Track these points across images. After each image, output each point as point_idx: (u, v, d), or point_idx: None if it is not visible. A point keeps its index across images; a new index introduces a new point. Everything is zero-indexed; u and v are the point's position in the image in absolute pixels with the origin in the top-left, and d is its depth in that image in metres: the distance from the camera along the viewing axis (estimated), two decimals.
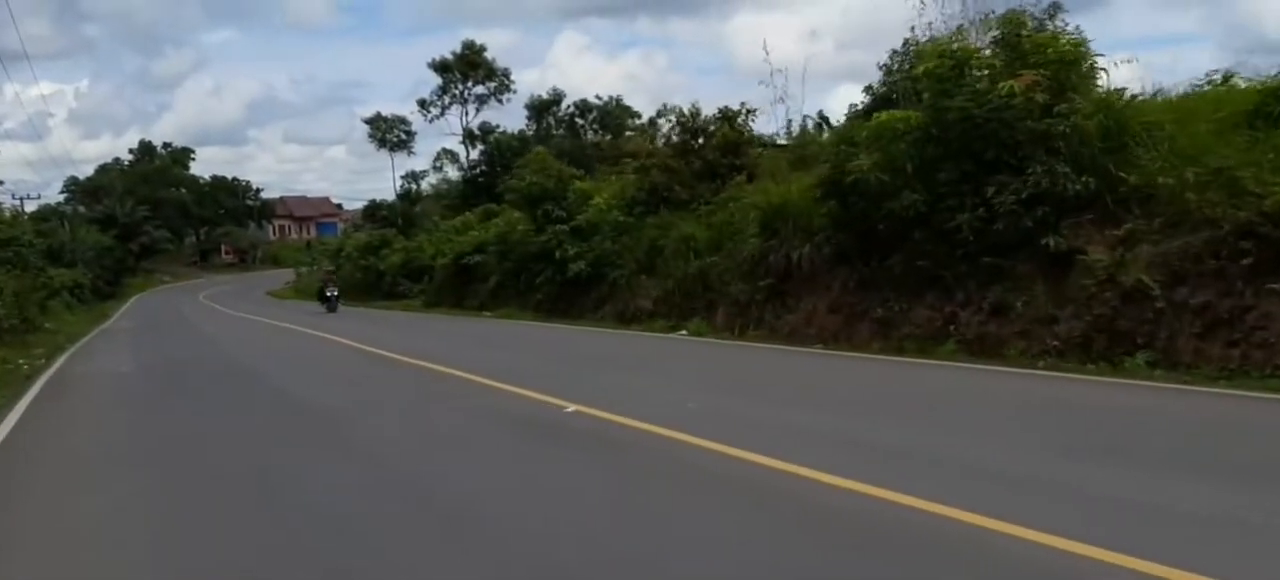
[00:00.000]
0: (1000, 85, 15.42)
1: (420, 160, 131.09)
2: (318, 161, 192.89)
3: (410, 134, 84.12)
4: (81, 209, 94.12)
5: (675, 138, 29.22)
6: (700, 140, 27.56)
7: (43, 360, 24.02)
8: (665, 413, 10.09)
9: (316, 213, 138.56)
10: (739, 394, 12.71)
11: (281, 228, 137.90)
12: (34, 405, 15.36)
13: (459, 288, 40.20)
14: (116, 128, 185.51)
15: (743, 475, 7.52)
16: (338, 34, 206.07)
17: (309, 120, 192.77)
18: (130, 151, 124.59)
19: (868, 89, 24.60)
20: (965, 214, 15.61)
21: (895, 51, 24.28)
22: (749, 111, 27.97)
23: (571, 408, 10.88)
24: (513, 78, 71.51)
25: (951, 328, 15.68)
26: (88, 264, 72.16)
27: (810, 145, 26.19)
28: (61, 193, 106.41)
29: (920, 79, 17.36)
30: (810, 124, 29.91)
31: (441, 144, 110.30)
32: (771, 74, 26.77)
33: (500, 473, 8.38)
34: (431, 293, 43.97)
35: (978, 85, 15.98)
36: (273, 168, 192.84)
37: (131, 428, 12.91)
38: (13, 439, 11.96)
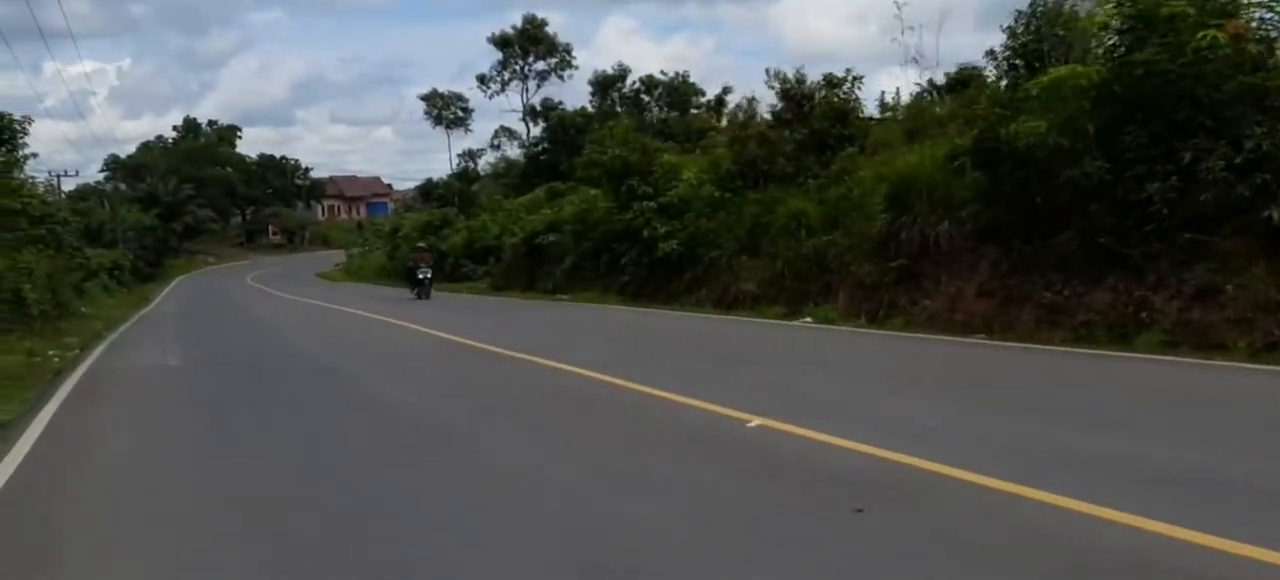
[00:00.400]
0: (1201, 35, 13.60)
1: (476, 139, 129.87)
2: (364, 142, 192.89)
3: (467, 111, 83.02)
4: (122, 187, 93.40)
5: (777, 105, 27.42)
6: (806, 107, 25.72)
7: (76, 351, 22.36)
8: (885, 429, 8.37)
9: (366, 193, 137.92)
10: (959, 402, 10.44)
11: (330, 208, 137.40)
12: (61, 415, 12.35)
13: (530, 269, 38.74)
14: (159, 107, 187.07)
15: (1083, 537, 5.39)
16: (386, 13, 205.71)
17: (356, 100, 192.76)
18: (174, 129, 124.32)
19: (990, 54, 22.51)
20: (1156, 184, 13.84)
21: (1020, 12, 22.18)
22: (855, 78, 26.18)
23: (754, 422, 8.96)
24: (574, 54, 70.07)
25: (1143, 314, 13.91)
26: (128, 244, 71.20)
27: (927, 112, 24.46)
28: (101, 171, 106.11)
29: (1092, 30, 15.61)
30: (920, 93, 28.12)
31: (499, 122, 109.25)
32: (903, 32, 24.29)
33: (717, 529, 6.08)
34: (499, 274, 42.56)
35: (1168, 37, 14.17)
36: (319, 149, 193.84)
37: (192, 452, 9.82)
38: (23, 477, 8.69)
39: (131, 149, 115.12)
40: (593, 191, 35.44)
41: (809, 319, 20.02)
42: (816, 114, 25.76)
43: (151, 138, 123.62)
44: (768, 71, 26.36)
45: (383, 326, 25.47)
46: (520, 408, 11.39)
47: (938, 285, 18.31)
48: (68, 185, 72.31)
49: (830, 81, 26.17)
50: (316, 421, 11.19)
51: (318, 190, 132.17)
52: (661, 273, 27.91)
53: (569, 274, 34.83)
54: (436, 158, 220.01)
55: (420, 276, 36.61)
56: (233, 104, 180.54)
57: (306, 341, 23.05)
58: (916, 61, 25.55)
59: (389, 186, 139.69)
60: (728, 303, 24.17)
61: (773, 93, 27.41)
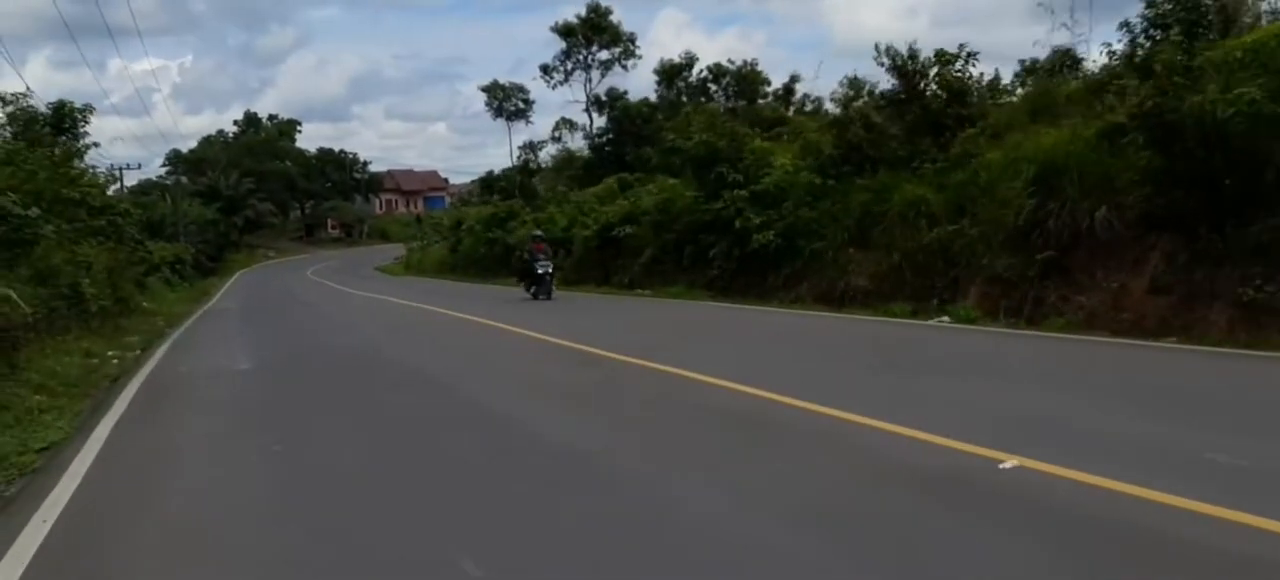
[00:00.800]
0: None
1: (536, 131, 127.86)
2: (419, 138, 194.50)
3: (528, 103, 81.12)
4: (184, 179, 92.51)
5: (886, 85, 25.16)
6: (921, 85, 23.40)
7: (137, 352, 20.56)
8: (1175, 470, 6.35)
9: (424, 187, 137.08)
10: (1242, 427, 8.00)
11: (388, 202, 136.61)
12: (118, 434, 10.53)
13: (603, 263, 36.67)
14: (219, 103, 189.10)
15: None
16: (441, 10, 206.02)
17: (411, 96, 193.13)
18: (235, 123, 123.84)
19: (1124, 26, 19.97)
20: None
21: None
22: (969, 55, 23.76)
23: (1009, 463, 6.75)
24: (638, 43, 67.85)
25: None
26: (190, 238, 70.24)
27: (1058, 89, 22.15)
28: (163, 166, 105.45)
29: None
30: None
31: (560, 113, 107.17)
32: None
33: None
34: (569, 268, 40.44)
35: None
36: (374, 144, 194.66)
37: (274, 477, 8.14)
38: (70, 525, 6.88)
39: (193, 144, 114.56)
40: (671, 181, 33.40)
41: (946, 318, 17.72)
42: (930, 93, 23.43)
43: (212, 132, 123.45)
44: (877, 48, 23.96)
45: (450, 322, 23.78)
46: (689, 438, 8.73)
47: (1093, 279, 16.05)
48: (130, 180, 71.47)
49: (942, 58, 23.75)
50: (424, 438, 9.25)
51: (375, 184, 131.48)
52: (754, 266, 25.74)
53: (647, 268, 32.72)
54: (493, 152, 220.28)
55: (540, 271, 30.39)
56: (291, 99, 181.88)
57: (382, 338, 21.45)
58: (1065, 26, 23.13)
59: (445, 180, 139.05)
60: (836, 299, 21.95)
61: (882, 69, 24.99)
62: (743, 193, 26.25)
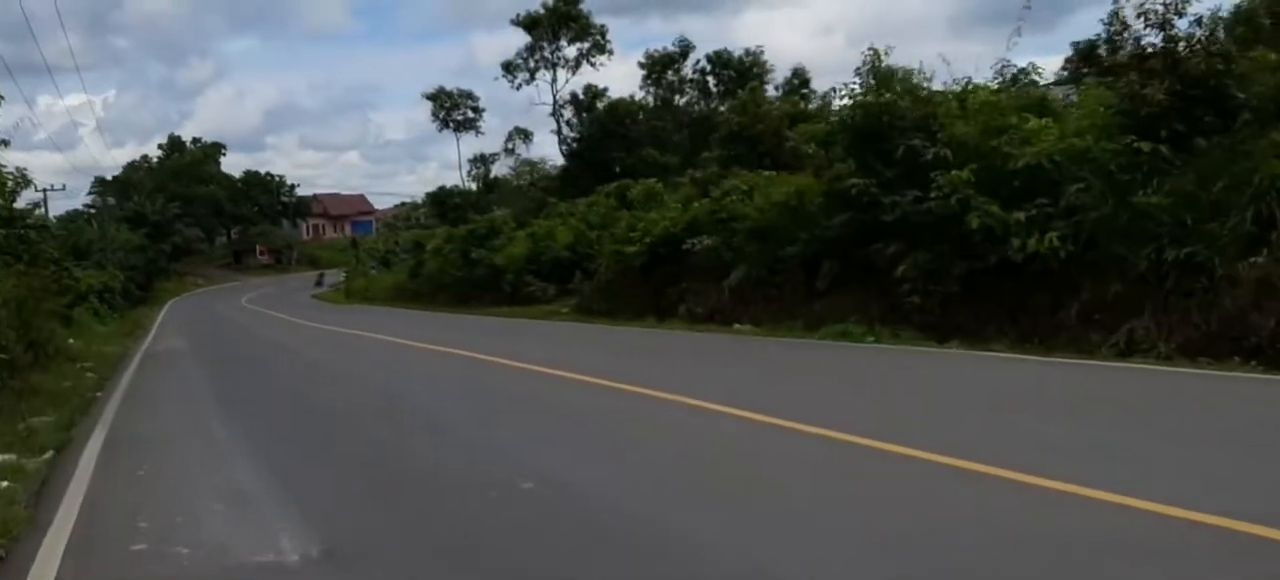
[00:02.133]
0: None
1: (488, 142, 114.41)
2: (333, 166, 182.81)
3: (478, 111, 69.12)
4: (110, 201, 79.46)
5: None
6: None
7: (49, 454, 9.64)
8: None
9: (352, 211, 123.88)
10: None
11: (316, 227, 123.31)
12: None
13: (652, 287, 25.44)
14: (142, 135, 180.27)
15: None
16: (353, 39, 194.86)
17: (324, 125, 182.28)
18: (159, 147, 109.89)
19: None
20: None
21: None
22: None
23: None
24: (609, 37, 56.45)
25: None
26: (118, 265, 57.81)
27: None
28: (88, 194, 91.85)
29: None
30: None
31: (513, 123, 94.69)
32: None
33: None
34: (590, 295, 29.16)
35: None
36: (290, 173, 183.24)
37: None
38: None
39: (119, 172, 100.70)
40: (767, 174, 22.59)
41: None
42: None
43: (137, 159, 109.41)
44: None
45: (491, 369, 12.15)
46: None
47: None
48: (57, 209, 60.15)
49: None
50: None
51: (303, 208, 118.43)
52: (1001, 292, 14.89)
53: (739, 294, 21.66)
54: (402, 180, 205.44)
55: None
56: (210, 131, 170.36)
57: (403, 389, 12.05)
58: None
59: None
60: (1248, 349, 11.14)
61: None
62: (962, 174, 15.34)
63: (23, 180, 25.44)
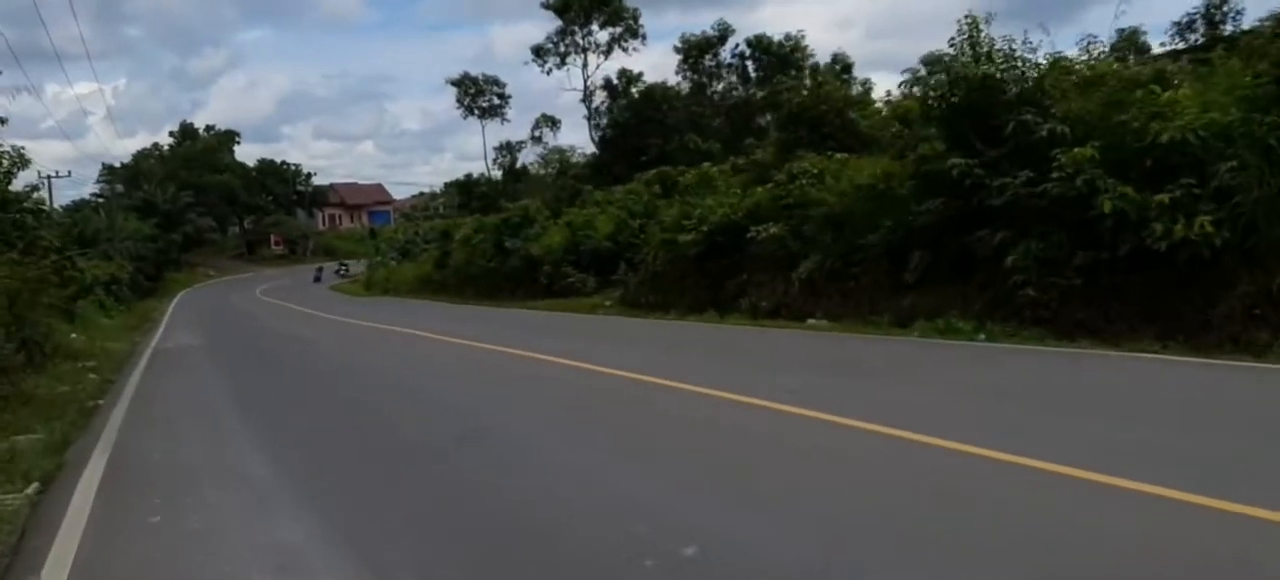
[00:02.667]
0: None
1: (513, 128, 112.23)
2: (348, 156, 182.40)
3: (504, 97, 67.57)
4: (119, 188, 78.11)
5: None
6: None
7: (33, 487, 7.98)
8: None
9: (369, 200, 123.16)
10: None
11: (332, 217, 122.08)
12: None
13: (705, 278, 24.02)
14: (153, 125, 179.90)
15: None
16: (367, 29, 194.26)
17: (340, 116, 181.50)
18: (170, 134, 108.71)
19: None
20: None
21: None
22: None
23: None
24: (642, 20, 54.82)
25: None
26: (126, 255, 56.45)
27: None
28: (96, 182, 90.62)
29: None
30: None
31: (538, 110, 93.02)
32: None
33: None
34: (636, 287, 27.73)
35: None
36: (305, 164, 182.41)
37: None
38: None
39: (128, 161, 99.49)
40: (839, 157, 21.22)
41: None
42: None
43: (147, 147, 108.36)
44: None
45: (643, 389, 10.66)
46: None
47: None
48: (63, 198, 58.86)
49: None
50: None
51: (319, 198, 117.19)
52: (1131, 285, 13.44)
53: (810, 285, 20.22)
54: (418, 171, 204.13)
55: None
56: (222, 120, 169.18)
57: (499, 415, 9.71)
58: None
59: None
60: None
61: None
62: (1085, 151, 13.88)
63: (20, 161, 24.08)
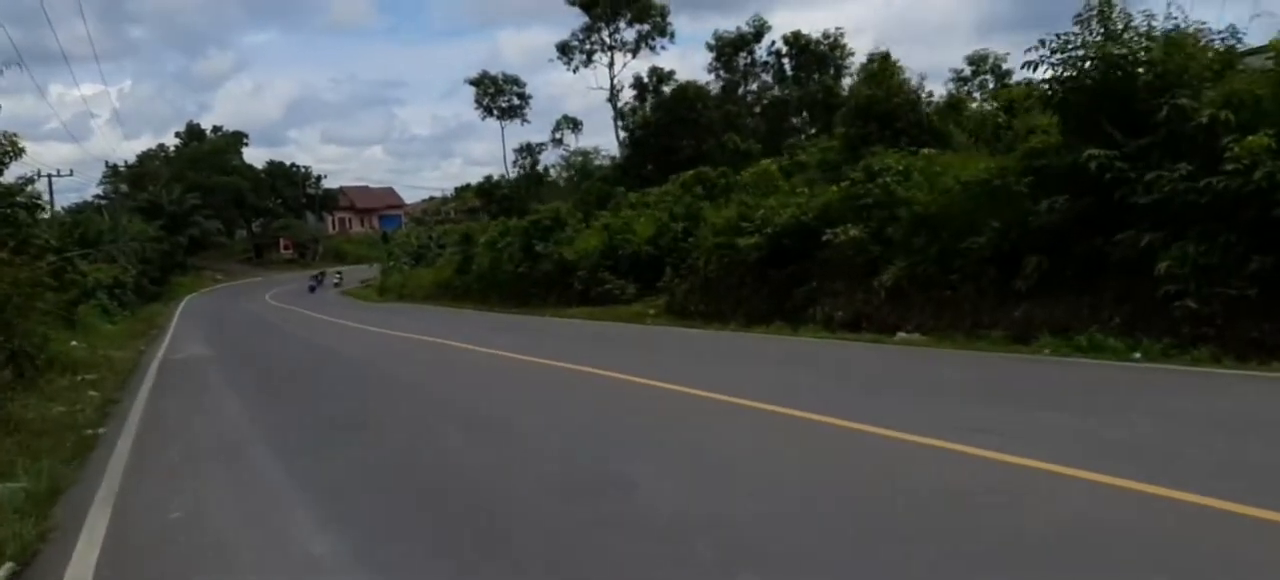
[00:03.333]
0: None
1: (536, 129, 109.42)
2: (356, 161, 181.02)
3: (524, 98, 65.58)
4: (123, 188, 76.27)
5: None
6: None
7: (3, 573, 5.83)
8: None
9: (380, 204, 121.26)
10: None
11: (342, 221, 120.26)
12: None
13: (767, 286, 22.04)
14: (158, 127, 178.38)
15: None
16: (376, 34, 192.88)
17: (348, 120, 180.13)
18: (177, 135, 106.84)
19: None
20: None
21: None
22: None
23: None
24: (670, 17, 52.82)
25: None
26: (130, 257, 54.52)
27: None
28: (99, 184, 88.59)
29: None
30: None
31: (555, 113, 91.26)
32: None
33: None
34: (684, 294, 25.76)
35: None
36: (313, 168, 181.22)
37: None
38: None
39: (133, 162, 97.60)
40: (926, 153, 19.32)
41: None
42: None
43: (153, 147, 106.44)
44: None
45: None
46: None
47: None
48: (64, 199, 57.16)
49: None
50: None
51: (329, 201, 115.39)
52: None
53: (894, 295, 18.22)
54: (427, 176, 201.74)
55: None
56: (228, 123, 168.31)
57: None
58: None
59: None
60: None
61: None
62: (1261, 139, 11.90)
63: (13, 149, 21.95)
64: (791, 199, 22.11)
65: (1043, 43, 14.98)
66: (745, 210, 23.21)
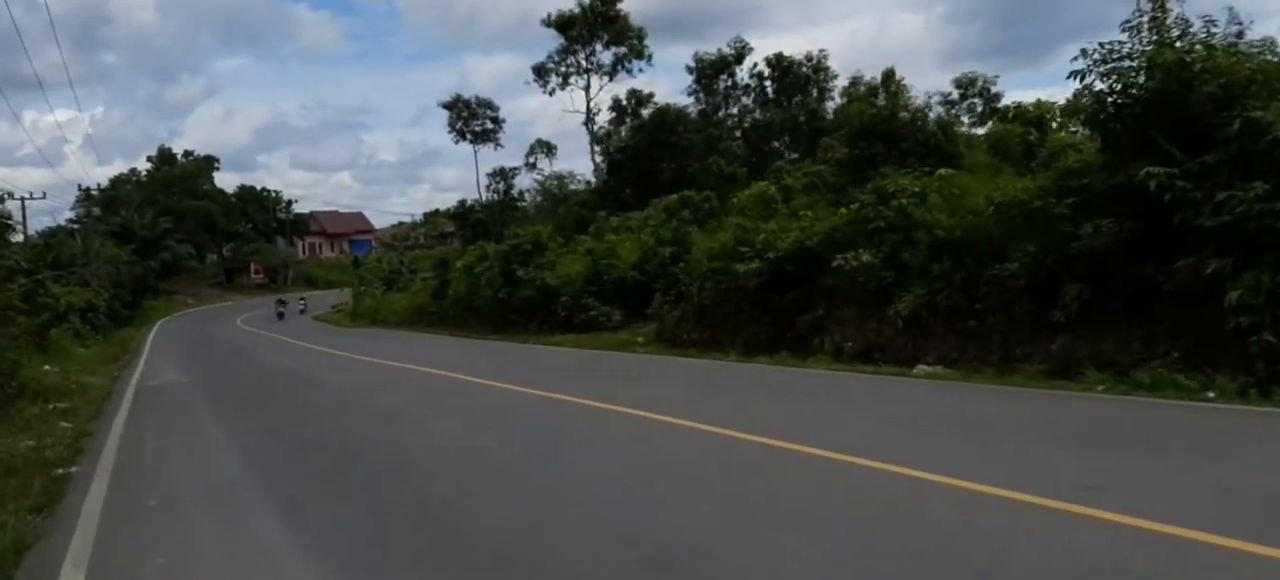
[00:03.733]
0: None
1: (508, 154, 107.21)
2: (323, 187, 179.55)
3: (497, 122, 63.91)
4: (96, 212, 74.19)
5: None
6: None
7: None
8: None
9: (350, 229, 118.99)
10: None
11: (312, 245, 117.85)
12: None
13: (769, 314, 20.48)
14: (129, 153, 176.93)
15: None
16: (345, 61, 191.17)
17: (315, 145, 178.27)
18: (149, 159, 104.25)
19: None
20: None
21: None
22: None
23: None
24: (648, 42, 51.35)
25: None
26: (104, 281, 52.63)
27: None
28: (72, 208, 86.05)
29: None
30: None
31: (528, 137, 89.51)
32: None
33: None
34: (675, 322, 24.14)
35: None
36: (283, 192, 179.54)
37: None
38: None
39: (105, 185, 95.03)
40: (943, 173, 17.80)
41: None
42: None
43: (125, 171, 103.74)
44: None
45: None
46: None
47: None
48: (37, 223, 55.47)
49: None
50: None
51: (299, 226, 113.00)
52: None
53: (912, 325, 16.67)
54: (395, 201, 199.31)
55: None
56: (200, 149, 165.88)
57: None
58: None
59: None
60: None
61: None
62: None
63: None
64: (794, 223, 20.52)
65: (1085, 52, 13.50)
66: (743, 234, 21.60)
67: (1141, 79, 12.92)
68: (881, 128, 21.68)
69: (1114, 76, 13.09)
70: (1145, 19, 13.17)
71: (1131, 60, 12.99)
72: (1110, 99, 13.37)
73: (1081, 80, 13.41)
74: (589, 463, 9.22)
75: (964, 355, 15.50)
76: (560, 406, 13.40)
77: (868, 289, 17.84)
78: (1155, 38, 13.04)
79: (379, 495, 8.00)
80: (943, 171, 17.97)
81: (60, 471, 10.08)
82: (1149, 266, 12.73)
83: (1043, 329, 14.31)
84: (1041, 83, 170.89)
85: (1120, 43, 13.33)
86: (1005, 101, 39.26)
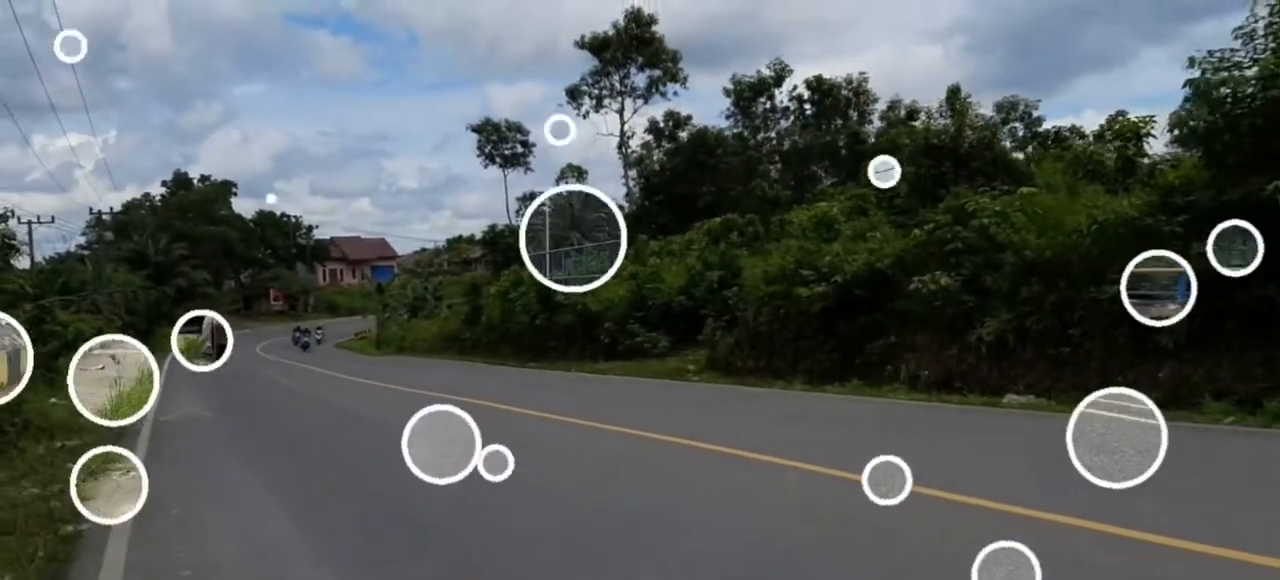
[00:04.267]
0: None
1: (537, 179, 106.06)
2: (342, 213, 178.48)
3: (527, 146, 63.62)
4: (108, 236, 73.98)
5: None
6: None
7: None
8: None
9: (372, 255, 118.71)
10: None
11: (333, 272, 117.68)
12: None
13: (833, 340, 19.92)
14: (143, 178, 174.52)
15: None
16: (365, 88, 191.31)
17: (335, 172, 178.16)
18: (163, 184, 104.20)
19: None
20: None
21: None
22: None
23: None
24: (682, 63, 50.99)
25: None
26: (116, 308, 52.13)
27: None
28: (83, 233, 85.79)
29: None
30: None
31: (555, 163, 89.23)
32: None
33: None
34: (728, 348, 23.59)
35: None
36: (304, 217, 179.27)
37: None
38: None
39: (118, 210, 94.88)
40: (1025, 191, 17.25)
41: None
42: None
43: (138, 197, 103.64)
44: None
45: None
46: None
47: None
48: (47, 248, 55.02)
49: None
50: None
51: (320, 252, 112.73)
52: None
53: (997, 352, 16.08)
54: (416, 228, 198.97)
55: None
56: (215, 175, 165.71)
57: None
58: None
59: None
60: None
61: None
62: None
63: None
64: (861, 244, 19.97)
65: (1193, 61, 12.94)
66: (806, 256, 21.04)
67: (1253, 89, 12.33)
68: (948, 147, 21.13)
69: (1227, 85, 12.50)
70: (1260, 24, 12.58)
71: (1250, 71, 12.39)
72: (1223, 110, 12.76)
73: (1196, 91, 12.82)
74: (718, 524, 8.38)
75: (1057, 384, 14.91)
76: (650, 445, 12.73)
77: (946, 314, 17.29)
78: (1274, 44, 12.45)
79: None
80: (1024, 190, 17.41)
81: (68, 529, 8.60)
82: (1270, 288, 12.12)
83: (1148, 355, 13.72)
84: (1060, 112, 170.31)
85: (1232, 50, 12.76)
86: (1046, 126, 38.90)
